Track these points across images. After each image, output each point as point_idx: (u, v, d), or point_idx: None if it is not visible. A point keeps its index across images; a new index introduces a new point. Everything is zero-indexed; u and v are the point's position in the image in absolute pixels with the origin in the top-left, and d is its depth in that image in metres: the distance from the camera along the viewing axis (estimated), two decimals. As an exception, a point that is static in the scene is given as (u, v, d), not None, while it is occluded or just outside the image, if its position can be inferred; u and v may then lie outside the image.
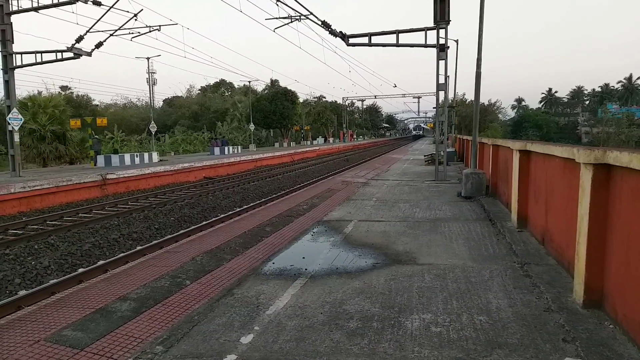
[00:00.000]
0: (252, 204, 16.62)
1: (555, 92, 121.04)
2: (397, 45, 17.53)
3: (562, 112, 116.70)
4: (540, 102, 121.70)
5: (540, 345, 3.85)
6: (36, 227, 13.46)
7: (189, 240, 8.16)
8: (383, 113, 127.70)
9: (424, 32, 17.34)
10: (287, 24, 17.58)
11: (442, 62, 17.00)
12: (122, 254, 10.34)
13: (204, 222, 13.75)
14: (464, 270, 6.06)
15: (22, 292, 8.04)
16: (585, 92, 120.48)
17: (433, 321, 4.41)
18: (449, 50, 17.06)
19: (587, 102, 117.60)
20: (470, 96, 73.49)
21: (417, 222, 9.34)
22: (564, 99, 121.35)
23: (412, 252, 7.06)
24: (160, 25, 23.97)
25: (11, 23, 20.80)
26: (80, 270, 9.25)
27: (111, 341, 4.08)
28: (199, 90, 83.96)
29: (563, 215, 5.89)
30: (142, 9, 22.64)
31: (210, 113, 68.64)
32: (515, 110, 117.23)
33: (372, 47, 18.12)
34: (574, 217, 4.89)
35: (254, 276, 6.06)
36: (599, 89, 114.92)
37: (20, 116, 20.98)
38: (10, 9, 20.56)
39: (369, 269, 6.26)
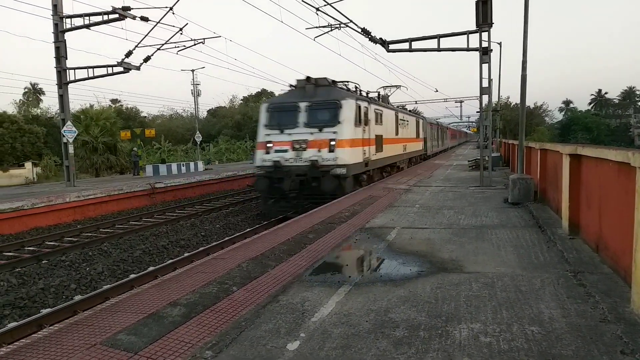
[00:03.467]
0: (294, 211, 16.76)
1: (606, 93, 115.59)
2: (439, 50, 17.33)
3: (613, 113, 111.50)
4: (590, 103, 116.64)
5: (597, 358, 3.70)
6: (90, 234, 14.08)
7: (235, 247, 8.31)
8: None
9: (466, 35, 17.07)
10: (327, 32, 17.69)
11: (485, 66, 16.66)
12: (170, 261, 10.67)
13: (248, 229, 13.98)
14: (513, 278, 5.89)
15: (78, 297, 8.43)
16: (638, 92, 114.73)
17: (482, 331, 4.31)
18: (492, 53, 16.72)
19: (639, 103, 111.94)
20: (514, 99, 71.48)
21: (462, 229, 9.16)
22: (614, 100, 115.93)
23: (458, 260, 6.93)
24: (204, 38, 24.62)
25: (65, 40, 21.94)
26: (132, 276, 9.60)
27: (163, 345, 4.21)
28: (241, 100, 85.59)
29: (618, 222, 5.64)
30: (187, 23, 23.46)
31: (252, 122, 69.82)
32: (562, 113, 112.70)
33: (413, 53, 17.94)
34: (630, 223, 4.67)
35: (298, 283, 6.11)
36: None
37: (74, 129, 22.04)
38: (64, 27, 21.70)
39: (413, 277, 6.19)
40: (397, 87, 28.00)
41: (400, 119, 24.45)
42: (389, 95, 25.43)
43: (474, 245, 7.83)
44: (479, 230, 9.07)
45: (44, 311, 7.69)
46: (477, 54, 16.64)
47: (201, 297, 5.48)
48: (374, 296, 5.45)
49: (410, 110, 33.02)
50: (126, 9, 20.15)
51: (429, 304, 5.11)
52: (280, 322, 4.76)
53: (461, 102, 74.92)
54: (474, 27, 16.52)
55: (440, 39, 17.20)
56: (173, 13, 20.31)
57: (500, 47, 31.13)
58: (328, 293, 5.63)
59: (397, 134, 23.13)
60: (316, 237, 8.96)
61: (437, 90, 56.04)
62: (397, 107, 27.26)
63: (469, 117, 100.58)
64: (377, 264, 6.90)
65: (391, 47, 17.78)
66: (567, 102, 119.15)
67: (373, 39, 17.54)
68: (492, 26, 16.23)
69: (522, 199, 12.19)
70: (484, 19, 16.06)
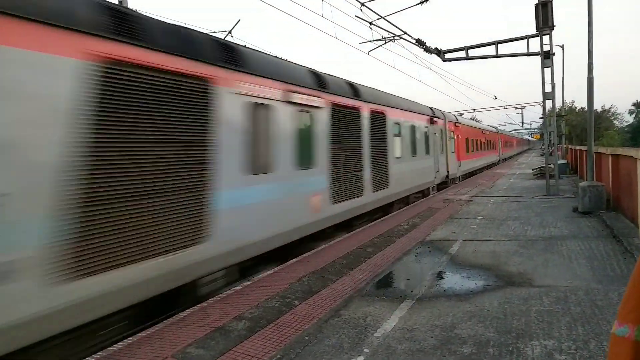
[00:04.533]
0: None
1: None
2: (497, 56, 16.91)
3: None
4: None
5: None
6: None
7: (295, 261, 8.39)
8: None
9: (525, 40, 16.59)
10: (381, 45, 17.70)
11: (547, 70, 16.08)
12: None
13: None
14: (588, 292, 5.57)
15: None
16: None
17: (557, 348, 4.09)
18: (554, 57, 16.09)
19: None
20: (580, 103, 68.14)
21: (529, 241, 8.78)
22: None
23: (526, 273, 6.64)
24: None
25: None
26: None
27: (231, 359, 4.30)
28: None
29: None
30: (244, 45, 24.09)
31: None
32: (633, 115, 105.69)
33: (470, 60, 17.61)
34: None
35: (359, 297, 6.07)
36: None
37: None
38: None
39: (479, 291, 5.99)
40: None
41: None
42: None
43: (543, 257, 7.48)
44: (547, 241, 8.66)
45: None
46: (538, 58, 16.09)
47: (265, 311, 5.57)
48: (439, 311, 5.31)
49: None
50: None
51: (498, 319, 4.92)
52: (343, 337, 4.75)
53: (522, 108, 72.30)
54: (533, 31, 16.03)
55: (498, 45, 16.79)
56: (232, 36, 21.06)
57: (563, 50, 29.90)
58: (390, 308, 5.55)
59: None
60: (376, 250, 8.88)
61: (496, 98, 54.14)
62: None
63: (531, 124, 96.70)
64: (440, 278, 6.74)
65: (447, 56, 17.55)
66: (637, 104, 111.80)
67: (428, 49, 17.38)
68: (553, 29, 15.66)
69: (593, 207, 11.53)
70: (544, 22, 15.54)
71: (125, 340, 4.89)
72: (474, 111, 68.15)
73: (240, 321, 5.24)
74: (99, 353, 4.60)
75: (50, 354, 4.57)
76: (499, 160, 45.94)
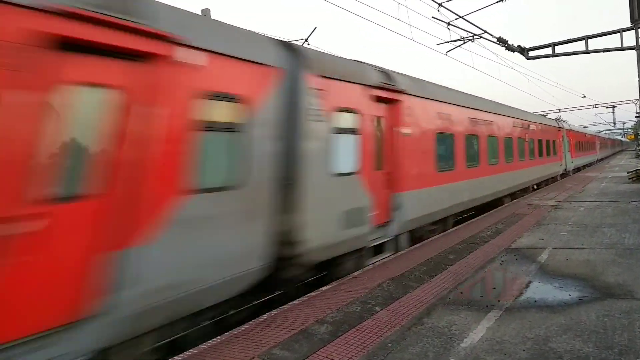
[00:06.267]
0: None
1: None
2: (587, 52, 15.87)
3: None
4: None
5: None
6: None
7: (373, 267, 8.34)
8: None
9: (618, 34, 15.43)
10: (459, 45, 17.22)
11: (645, 65, 14.83)
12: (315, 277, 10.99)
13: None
14: (702, 308, 5.04)
15: (232, 311, 9.05)
16: None
17: (668, 368, 3.73)
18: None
19: None
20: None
21: (628, 250, 8.11)
22: None
23: (626, 284, 6.14)
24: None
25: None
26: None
27: (315, 362, 4.35)
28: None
29: None
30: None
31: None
32: None
33: (556, 58, 16.69)
34: None
35: (442, 305, 5.91)
36: None
37: None
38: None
39: (574, 303, 5.61)
40: None
41: None
42: None
43: (646, 268, 6.89)
44: (649, 251, 7.97)
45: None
46: (633, 53, 14.92)
47: (346, 316, 5.57)
48: (529, 323, 5.04)
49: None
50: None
51: (596, 333, 4.59)
52: (427, 345, 4.64)
53: (613, 107, 67.08)
54: (628, 25, 14.91)
55: (588, 40, 15.74)
56: (308, 44, 21.45)
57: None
58: (476, 317, 5.35)
59: None
60: (457, 257, 8.61)
61: (584, 96, 50.48)
62: None
63: (623, 124, 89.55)
64: (529, 288, 6.39)
65: (531, 54, 16.75)
66: None
67: (510, 48, 16.66)
68: (650, 21, 14.46)
69: (703, 214, 10.45)
70: (639, 13, 14.37)
71: (213, 339, 5.09)
72: (559, 111, 64.05)
73: (323, 325, 5.28)
74: (190, 350, 4.83)
75: None
76: (597, 159, 52.13)
